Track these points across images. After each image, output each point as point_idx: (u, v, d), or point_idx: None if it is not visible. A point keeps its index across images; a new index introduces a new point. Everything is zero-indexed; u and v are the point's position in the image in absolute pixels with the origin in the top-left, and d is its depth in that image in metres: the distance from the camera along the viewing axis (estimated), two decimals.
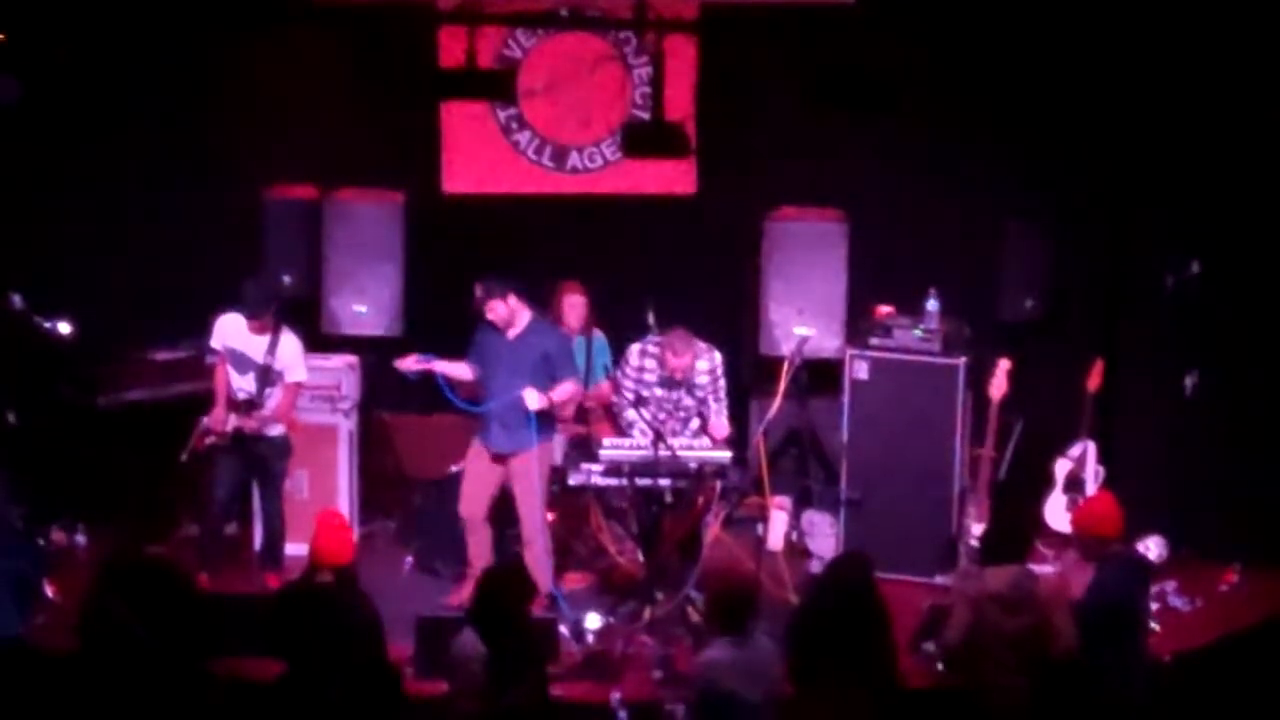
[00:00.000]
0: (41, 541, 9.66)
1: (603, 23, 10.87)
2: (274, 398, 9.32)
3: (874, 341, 9.95)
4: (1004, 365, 9.42)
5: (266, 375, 9.28)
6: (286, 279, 10.47)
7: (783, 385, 9.72)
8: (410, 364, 9.18)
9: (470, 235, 10.85)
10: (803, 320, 10.41)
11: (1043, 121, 10.50)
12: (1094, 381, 9.89)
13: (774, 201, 10.66)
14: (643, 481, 9.05)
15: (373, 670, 7.22)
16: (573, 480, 9.17)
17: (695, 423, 9.54)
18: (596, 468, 9.08)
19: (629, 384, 9.48)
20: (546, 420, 9.16)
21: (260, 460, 9.39)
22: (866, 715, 7.11)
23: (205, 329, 9.47)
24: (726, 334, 10.07)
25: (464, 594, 9.24)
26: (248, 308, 9.21)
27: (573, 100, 11.06)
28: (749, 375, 10.63)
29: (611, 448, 9.16)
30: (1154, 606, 8.77)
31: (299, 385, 9.44)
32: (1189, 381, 10.08)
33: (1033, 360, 9.85)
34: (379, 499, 10.47)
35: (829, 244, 10.49)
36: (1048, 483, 9.99)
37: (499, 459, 9.20)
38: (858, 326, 10.24)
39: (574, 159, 11.19)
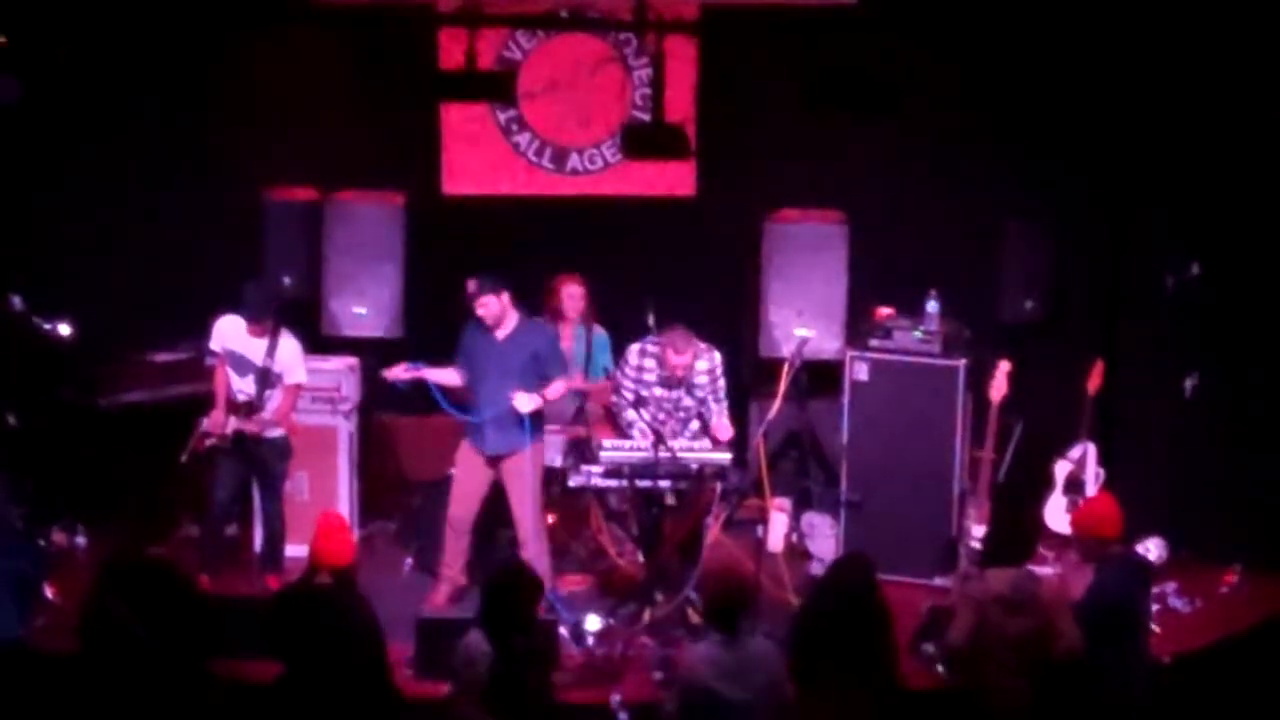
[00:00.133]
0: (42, 542, 9.66)
1: (603, 24, 10.86)
2: (274, 400, 9.33)
3: (874, 343, 9.96)
4: (1004, 367, 9.42)
5: (266, 377, 9.28)
6: (286, 280, 10.46)
7: (783, 387, 9.72)
8: (399, 373, 9.20)
9: (470, 237, 10.85)
10: (803, 322, 10.40)
11: (1043, 121, 10.50)
12: (1094, 383, 9.89)
13: (774, 203, 10.66)
14: (643, 483, 9.06)
15: (369, 672, 7.21)
16: (573, 482, 9.17)
17: (695, 424, 9.54)
18: (597, 469, 9.08)
19: (628, 384, 9.47)
20: (538, 419, 9.16)
21: (260, 462, 9.39)
22: (867, 716, 7.11)
23: (205, 330, 9.48)
24: (726, 335, 10.06)
25: (439, 597, 9.27)
26: (248, 313, 9.21)
27: (573, 102, 11.06)
28: (749, 377, 10.63)
29: (612, 449, 9.16)
30: (1154, 608, 8.76)
31: (299, 387, 9.44)
32: (1189, 382, 10.08)
33: (1032, 362, 9.84)
34: (379, 500, 10.47)
35: (829, 245, 10.49)
36: (1048, 484, 10.00)
37: (491, 460, 9.20)
38: (858, 328, 10.24)
39: (574, 160, 11.19)
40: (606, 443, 9.27)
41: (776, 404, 9.74)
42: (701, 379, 9.47)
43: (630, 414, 9.44)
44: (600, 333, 10.16)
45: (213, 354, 9.46)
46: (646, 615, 9.07)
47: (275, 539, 9.54)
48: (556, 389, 9.17)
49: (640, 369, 9.45)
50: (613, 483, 9.11)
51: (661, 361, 9.38)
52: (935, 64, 10.48)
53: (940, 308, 9.91)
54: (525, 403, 9.00)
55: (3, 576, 8.39)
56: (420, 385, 9.20)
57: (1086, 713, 7.47)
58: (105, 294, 10.46)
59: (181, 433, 9.33)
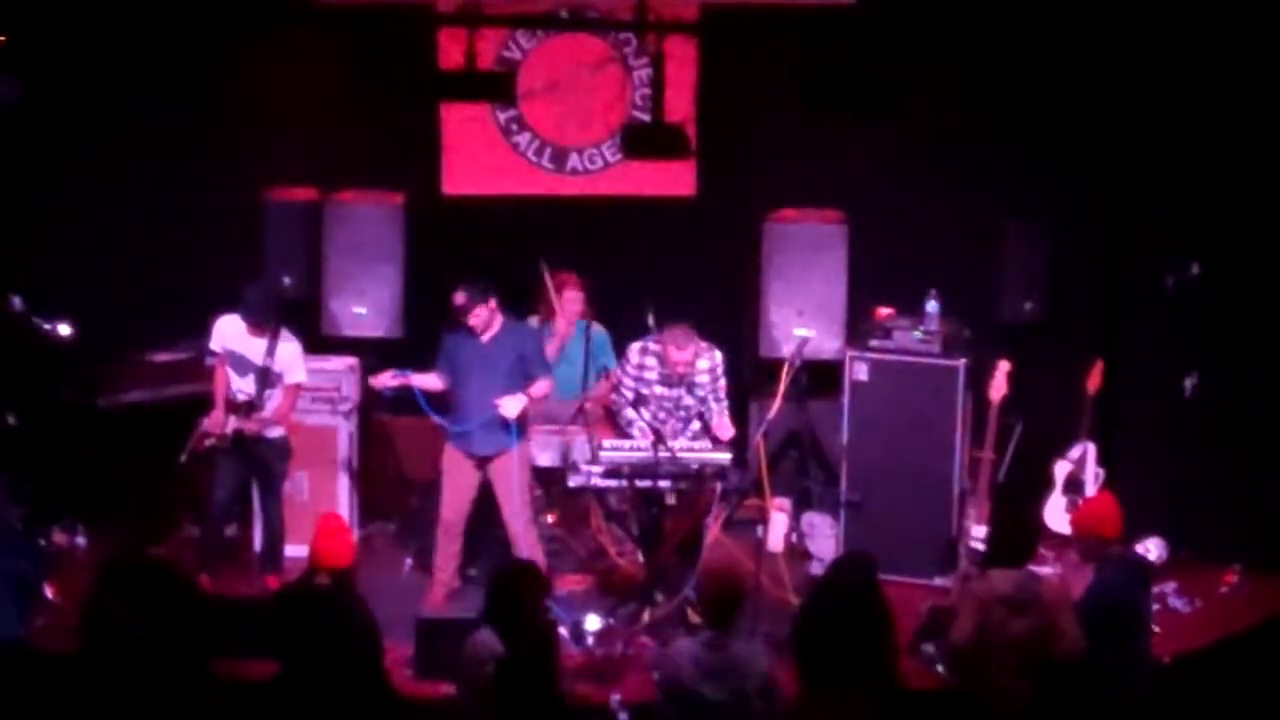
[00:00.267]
0: (42, 542, 9.66)
1: (603, 24, 10.87)
2: (274, 399, 9.33)
3: (874, 343, 9.96)
4: (1004, 367, 9.41)
5: (266, 377, 9.28)
6: (286, 280, 10.46)
7: (782, 387, 9.73)
8: (386, 380, 9.23)
9: (470, 237, 10.85)
10: (803, 322, 10.41)
11: (1043, 121, 10.50)
12: (1094, 383, 9.89)
13: (774, 203, 10.66)
14: (643, 483, 9.06)
15: (365, 674, 7.20)
16: (573, 482, 9.18)
17: (696, 424, 9.54)
18: (596, 469, 9.09)
19: (629, 382, 9.48)
20: (523, 419, 9.17)
21: (260, 462, 9.39)
22: (867, 716, 7.10)
23: (205, 330, 9.48)
24: (726, 335, 10.07)
25: (436, 599, 9.27)
26: (249, 315, 9.21)
27: (573, 102, 11.06)
28: (749, 377, 10.63)
29: (611, 449, 9.17)
30: (1154, 608, 8.76)
31: (298, 387, 9.45)
32: (1189, 382, 10.08)
33: (1032, 362, 9.84)
34: (379, 500, 10.47)
35: (829, 245, 10.49)
36: (1047, 484, 9.99)
37: (479, 461, 9.21)
38: (857, 328, 10.24)
39: (574, 160, 11.19)
40: (606, 443, 9.28)
41: (776, 404, 9.76)
42: (702, 378, 9.48)
43: (630, 412, 9.44)
44: (600, 331, 10.17)
45: (212, 354, 9.47)
46: (646, 615, 9.07)
47: (275, 539, 9.54)
48: (540, 388, 9.18)
49: (641, 367, 9.46)
50: (613, 483, 9.12)
51: (663, 359, 9.39)
52: (935, 64, 10.47)
53: (940, 308, 9.92)
54: (512, 406, 9.02)
55: (3, 576, 8.39)
56: (408, 391, 9.23)
57: (1087, 713, 7.47)
58: (105, 294, 10.46)
59: (181, 433, 9.33)
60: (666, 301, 9.67)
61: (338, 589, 7.34)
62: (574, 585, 9.65)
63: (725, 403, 9.58)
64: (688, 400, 9.51)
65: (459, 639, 7.68)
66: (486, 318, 9.11)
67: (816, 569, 9.69)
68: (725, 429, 9.47)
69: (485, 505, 9.32)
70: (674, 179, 11.02)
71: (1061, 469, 9.96)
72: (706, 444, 9.35)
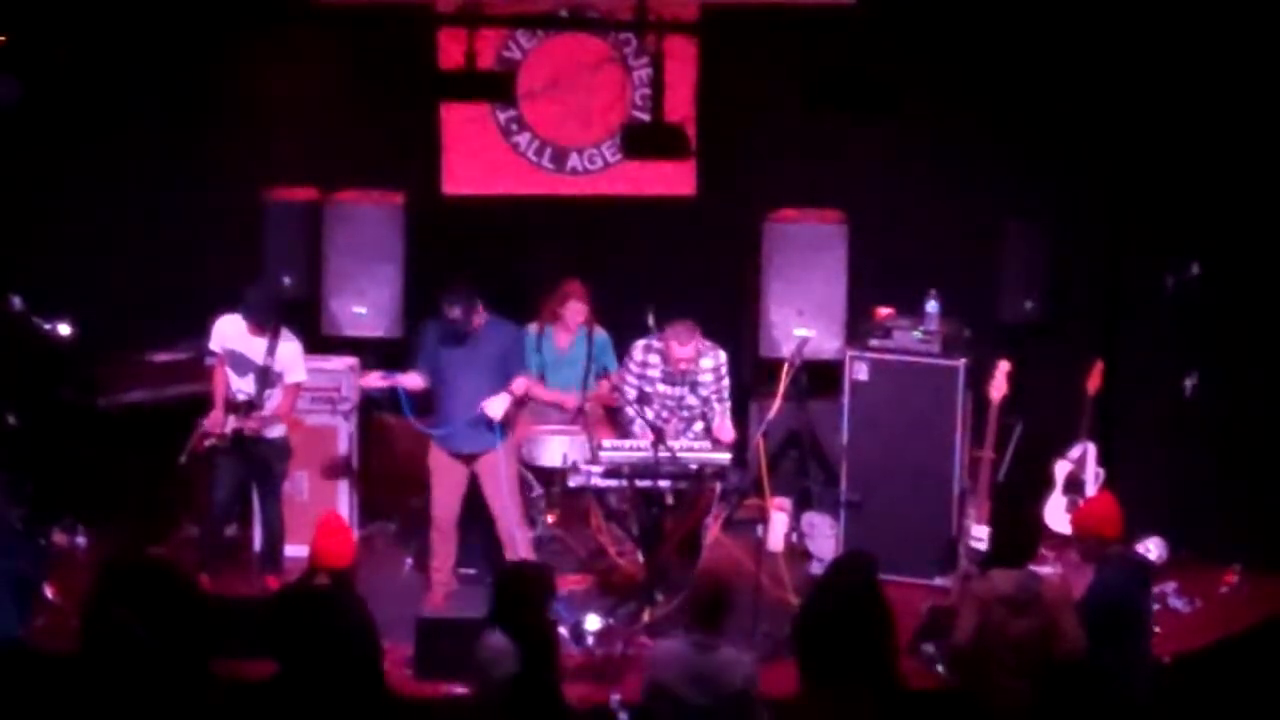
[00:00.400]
0: (42, 542, 9.65)
1: (603, 24, 10.86)
2: (274, 399, 9.32)
3: (874, 343, 9.96)
4: (1004, 367, 9.41)
5: (266, 377, 9.28)
6: (286, 280, 10.47)
7: (782, 387, 9.73)
8: (373, 381, 9.24)
9: (470, 237, 10.85)
10: (803, 321, 10.41)
11: (1043, 121, 10.50)
12: (1094, 383, 9.88)
13: (774, 202, 10.66)
14: (643, 483, 9.06)
15: (362, 675, 7.20)
16: (573, 482, 9.18)
17: (700, 425, 9.54)
18: (596, 469, 9.09)
19: (632, 379, 9.49)
20: (508, 418, 9.18)
21: (260, 462, 9.38)
22: (867, 716, 7.10)
23: (205, 330, 9.47)
24: (726, 335, 10.06)
25: (435, 599, 9.28)
26: (252, 316, 9.21)
27: (573, 102, 11.05)
28: (749, 377, 10.63)
29: (611, 449, 9.17)
30: (1154, 608, 8.76)
31: (299, 386, 9.44)
32: (1189, 383, 10.07)
33: (1032, 362, 9.84)
34: (378, 501, 10.46)
35: (829, 245, 10.49)
36: (1047, 484, 9.99)
37: (466, 459, 9.21)
38: (857, 328, 10.24)
39: (574, 160, 11.19)
40: (606, 443, 9.29)
41: (776, 404, 9.76)
42: (706, 377, 9.49)
43: (631, 410, 9.44)
44: (601, 334, 10.16)
45: (212, 354, 9.46)
46: (646, 615, 9.07)
47: (275, 539, 9.54)
48: (520, 384, 9.18)
49: (645, 364, 9.47)
50: (613, 483, 9.12)
51: (666, 357, 9.40)
52: (935, 64, 10.48)
53: (940, 308, 9.91)
54: (497, 407, 9.03)
55: (3, 576, 8.39)
56: (392, 393, 9.24)
57: (1088, 713, 7.47)
58: (105, 294, 10.46)
59: (181, 433, 9.32)
60: (666, 301, 9.67)
61: (337, 589, 7.33)
62: (574, 585, 9.64)
63: (729, 404, 9.58)
64: (691, 400, 9.51)
65: (459, 639, 7.71)
66: (478, 322, 9.13)
67: (816, 569, 9.69)
68: (727, 432, 9.48)
69: (477, 503, 9.33)
70: (674, 179, 11.02)
71: (1061, 469, 9.96)
72: (706, 444, 9.35)
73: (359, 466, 10.23)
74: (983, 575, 7.71)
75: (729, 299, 10.87)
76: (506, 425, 9.16)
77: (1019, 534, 7.68)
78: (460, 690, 7.67)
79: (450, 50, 10.64)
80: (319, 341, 10.24)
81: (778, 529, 9.65)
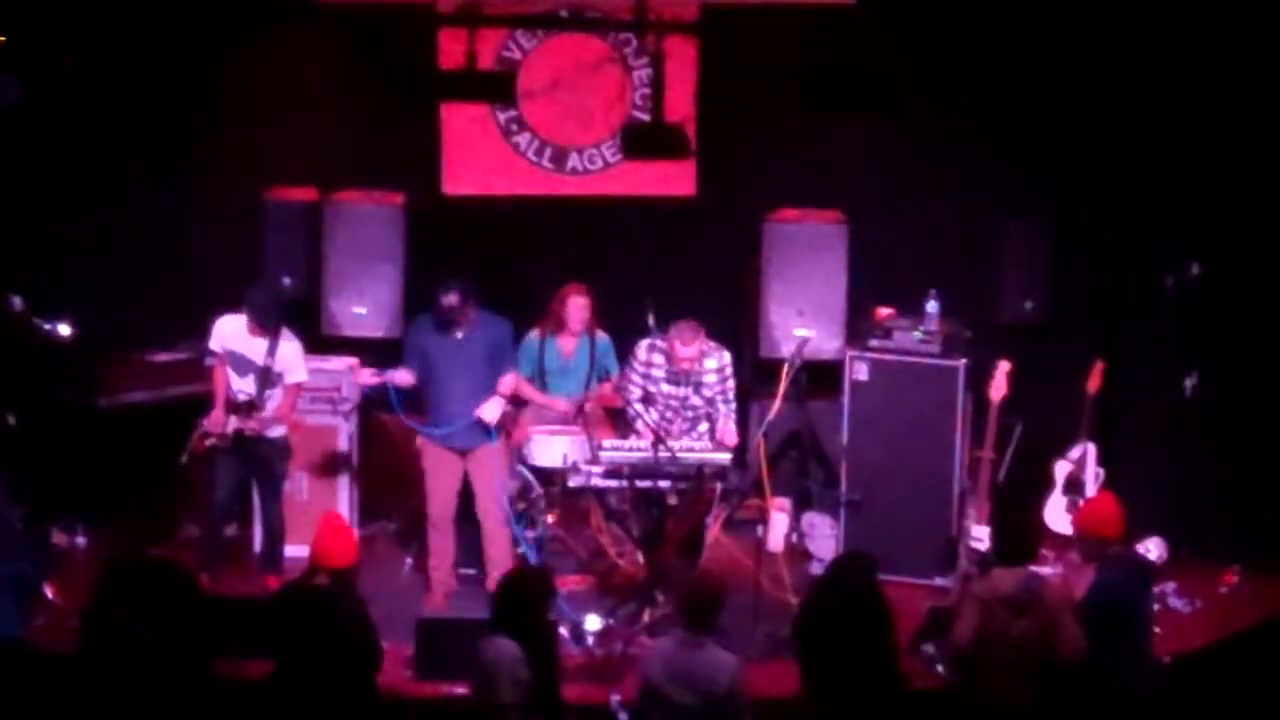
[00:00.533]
0: (42, 542, 9.65)
1: (603, 24, 10.87)
2: (274, 399, 9.32)
3: (874, 343, 9.96)
4: (1004, 367, 9.41)
5: (266, 377, 9.27)
6: (286, 280, 10.48)
7: (783, 387, 9.73)
8: (366, 377, 9.25)
9: (470, 237, 10.85)
10: (803, 322, 10.41)
11: (1043, 121, 10.51)
12: (1094, 383, 9.88)
13: (774, 202, 10.66)
14: (643, 483, 9.07)
15: (357, 676, 7.20)
16: (573, 482, 9.18)
17: (704, 426, 9.54)
18: (596, 469, 9.09)
19: (636, 379, 9.49)
20: (502, 420, 9.23)
21: (260, 462, 9.38)
22: (867, 716, 7.10)
23: (205, 330, 9.47)
24: (727, 335, 10.05)
25: (435, 599, 9.28)
26: (254, 316, 9.21)
27: (573, 102, 11.05)
28: (749, 377, 10.63)
29: (611, 449, 9.17)
30: (1154, 608, 8.76)
31: (299, 387, 9.44)
32: (1189, 383, 10.08)
33: (1032, 362, 9.83)
34: (379, 500, 10.47)
35: (829, 245, 10.49)
36: (1047, 484, 9.99)
37: (459, 453, 9.23)
38: (857, 328, 10.24)
39: (574, 160, 11.19)
40: (607, 443, 9.29)
41: (776, 404, 9.76)
42: (710, 378, 9.49)
43: (634, 409, 9.44)
44: (603, 338, 10.15)
45: (212, 354, 9.46)
46: (646, 615, 9.07)
47: (275, 539, 9.53)
48: (507, 384, 9.20)
49: (649, 364, 9.48)
50: (613, 483, 9.12)
51: (669, 356, 9.40)
52: (935, 64, 10.48)
53: (940, 308, 9.91)
54: (492, 411, 9.05)
55: (3, 576, 8.39)
56: (383, 391, 9.25)
57: (1088, 713, 7.47)
58: (105, 294, 10.46)
59: (181, 433, 9.32)
60: (667, 301, 9.68)
61: (337, 589, 7.33)
62: (574, 585, 9.64)
63: (734, 405, 9.58)
64: (695, 400, 9.51)
65: (459, 639, 7.70)
66: (473, 317, 9.14)
67: (816, 569, 9.69)
68: (730, 435, 9.48)
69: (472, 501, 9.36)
70: (674, 179, 11.02)
71: (1062, 469, 9.96)
72: (707, 444, 9.35)
73: (359, 466, 10.23)
74: (983, 575, 7.71)
75: (729, 299, 10.86)
76: (500, 427, 9.17)
77: (1019, 534, 7.68)
78: (460, 690, 7.66)
79: (450, 50, 10.65)
80: (319, 341, 10.24)
81: (778, 529, 9.66)
